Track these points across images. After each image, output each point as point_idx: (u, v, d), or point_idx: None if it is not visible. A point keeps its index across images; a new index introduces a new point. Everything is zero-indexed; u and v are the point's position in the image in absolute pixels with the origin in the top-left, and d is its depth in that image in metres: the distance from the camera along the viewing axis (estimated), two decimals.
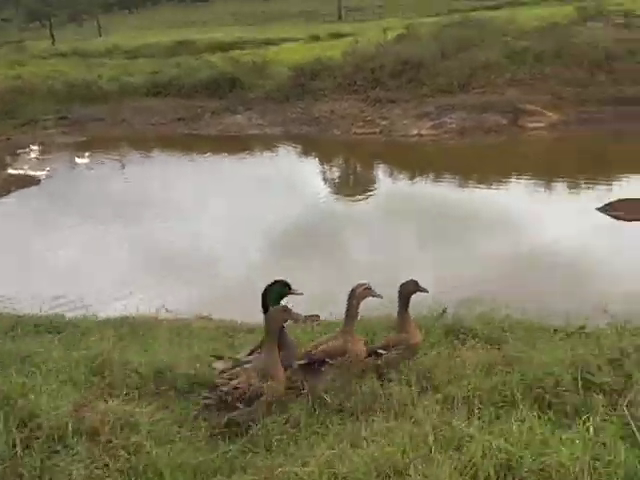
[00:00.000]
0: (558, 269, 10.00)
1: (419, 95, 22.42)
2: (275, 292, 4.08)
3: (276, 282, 4.16)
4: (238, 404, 3.57)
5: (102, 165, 20.59)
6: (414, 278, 4.52)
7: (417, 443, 2.93)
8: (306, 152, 21.54)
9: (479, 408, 3.46)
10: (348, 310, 4.18)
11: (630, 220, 11.81)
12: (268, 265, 11.08)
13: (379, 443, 2.99)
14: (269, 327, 3.76)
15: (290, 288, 4.13)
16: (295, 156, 21.29)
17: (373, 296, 4.26)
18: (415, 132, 21.17)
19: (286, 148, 21.86)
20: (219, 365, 4.06)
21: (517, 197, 14.68)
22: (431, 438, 2.95)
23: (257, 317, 7.13)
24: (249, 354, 4.13)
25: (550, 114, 20.51)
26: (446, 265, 10.58)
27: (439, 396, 3.81)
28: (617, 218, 12.00)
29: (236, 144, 21.98)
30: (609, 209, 12.15)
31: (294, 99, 23.72)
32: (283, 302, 4.16)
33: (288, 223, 13.40)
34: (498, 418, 3.32)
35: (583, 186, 15.23)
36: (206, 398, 3.75)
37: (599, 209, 12.33)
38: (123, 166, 20.88)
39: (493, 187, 16.08)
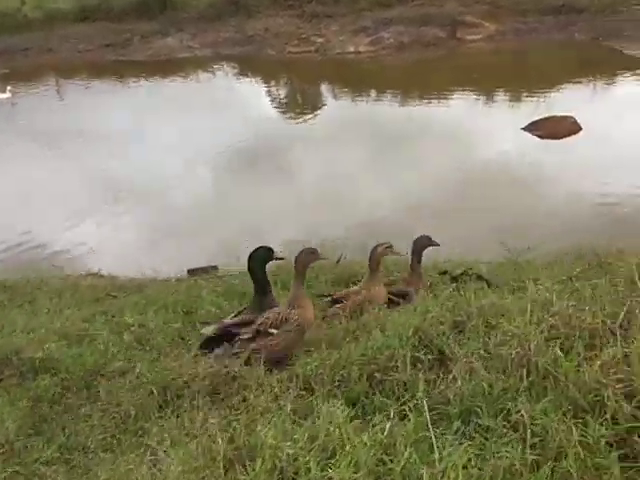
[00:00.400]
0: (474, 193, 9.90)
1: (356, 9, 21.53)
2: (259, 257, 4.14)
3: (260, 248, 4.20)
4: (272, 330, 3.79)
5: (27, 98, 19.51)
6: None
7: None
8: (242, 73, 20.73)
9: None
10: (370, 265, 4.53)
11: (549, 138, 11.79)
12: (222, 191, 11.01)
13: None
14: (297, 267, 3.94)
15: (273, 252, 4.19)
16: (232, 78, 20.48)
17: (393, 254, 4.61)
18: (352, 49, 20.41)
19: (221, 70, 20.99)
20: (207, 330, 4.09)
21: (450, 114, 14.41)
22: None
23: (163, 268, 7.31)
24: (235, 316, 4.20)
25: (488, 25, 19.89)
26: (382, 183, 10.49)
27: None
28: (540, 137, 11.91)
29: (169, 68, 20.98)
30: (533, 128, 12.01)
31: (227, 17, 22.57)
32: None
33: (236, 148, 12.95)
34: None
35: (512, 102, 15.03)
36: (245, 333, 3.86)
37: (524, 128, 12.18)
38: (51, 97, 19.85)
39: (430, 104, 15.80)
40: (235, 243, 7.61)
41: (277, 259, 4.22)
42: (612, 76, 16.09)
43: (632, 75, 15.83)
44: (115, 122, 15.50)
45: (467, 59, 19.44)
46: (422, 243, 4.76)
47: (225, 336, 3.86)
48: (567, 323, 2.94)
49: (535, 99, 14.66)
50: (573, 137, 11.74)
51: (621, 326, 2.83)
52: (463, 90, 16.25)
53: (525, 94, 15.33)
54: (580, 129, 11.81)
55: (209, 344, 3.92)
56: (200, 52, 21.91)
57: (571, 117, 11.90)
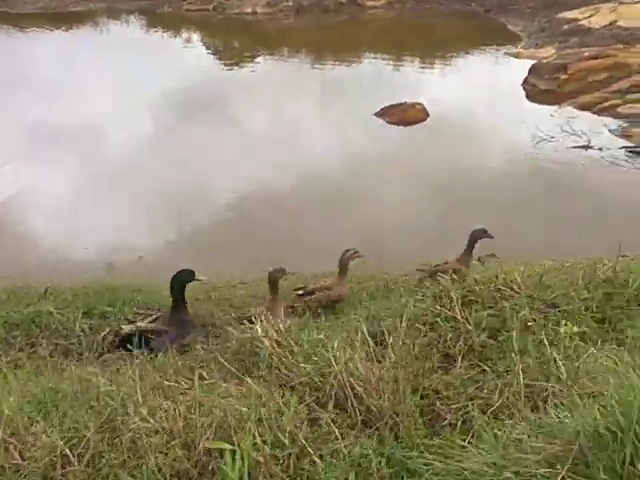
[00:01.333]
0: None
1: None
2: (180, 279, 4.54)
3: (182, 271, 4.58)
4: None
5: None
6: None
7: None
8: (148, 26, 19.72)
9: None
10: (340, 268, 5.30)
11: (398, 125, 11.71)
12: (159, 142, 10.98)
13: None
14: (270, 284, 4.83)
15: (194, 275, 4.57)
16: (138, 30, 19.54)
17: (359, 257, 5.33)
18: (249, 10, 19.76)
19: (125, 24, 19.94)
20: (127, 328, 4.50)
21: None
22: None
23: None
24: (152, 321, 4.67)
25: None
26: None
27: None
28: (390, 123, 11.81)
29: (68, 19, 19.83)
30: (383, 114, 11.89)
31: None
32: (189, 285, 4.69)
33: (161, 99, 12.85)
34: None
35: (373, 83, 14.66)
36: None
37: (376, 114, 12.03)
38: None
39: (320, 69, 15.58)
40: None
41: (197, 280, 4.64)
42: (482, 52, 15.96)
43: (500, 51, 15.69)
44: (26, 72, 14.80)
45: (365, 26, 19.07)
46: (477, 235, 5.44)
47: (140, 337, 4.16)
48: None
49: (393, 81, 14.51)
50: (420, 124, 11.65)
51: None
52: (342, 61, 15.90)
53: (390, 72, 15.11)
54: (427, 116, 11.71)
55: (124, 342, 4.25)
56: (94, 5, 20.87)
57: (419, 104, 11.78)
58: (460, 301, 3.59)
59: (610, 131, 10.99)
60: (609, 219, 7.73)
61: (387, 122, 11.81)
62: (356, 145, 11.00)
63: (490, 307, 3.60)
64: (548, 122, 11.24)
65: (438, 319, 3.50)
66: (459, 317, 3.45)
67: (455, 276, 5.32)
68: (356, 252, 5.38)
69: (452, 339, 3.31)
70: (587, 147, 10.22)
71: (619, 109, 11.63)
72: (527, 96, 13.11)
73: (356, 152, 10.52)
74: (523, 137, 10.82)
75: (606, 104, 11.85)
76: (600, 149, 10.10)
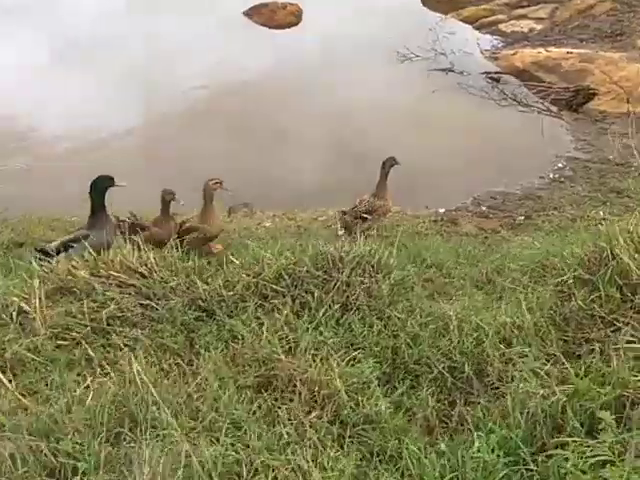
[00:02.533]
0: None
1: None
2: (98, 186, 4.71)
3: (100, 177, 4.73)
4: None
5: None
6: None
7: None
8: None
9: None
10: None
11: (268, 26, 11.15)
12: None
13: None
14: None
15: (113, 181, 4.73)
16: None
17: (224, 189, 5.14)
18: None
19: None
20: (50, 246, 4.69)
21: None
22: None
23: None
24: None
25: None
26: None
27: None
28: (258, 24, 11.20)
29: None
30: (252, 14, 11.23)
31: None
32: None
33: None
34: None
35: None
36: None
37: (245, 13, 11.34)
38: None
39: None
40: None
41: (116, 186, 4.71)
42: None
43: None
44: None
45: None
46: (389, 164, 5.63)
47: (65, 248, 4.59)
48: None
49: None
50: (292, 29, 11.20)
51: None
52: None
53: None
54: (300, 20, 11.25)
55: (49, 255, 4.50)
56: None
57: (293, 4, 11.24)
58: None
59: (482, 52, 11.17)
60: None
61: (255, 22, 11.22)
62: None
63: None
64: (426, 36, 11.03)
65: None
66: None
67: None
68: (219, 182, 5.15)
69: None
70: (449, 70, 10.38)
71: (501, 25, 11.47)
72: (423, 1, 12.80)
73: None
74: (392, 53, 10.76)
75: (490, 19, 11.64)
76: (461, 72, 10.31)
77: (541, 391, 2.70)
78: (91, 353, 3.29)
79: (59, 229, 5.62)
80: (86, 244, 4.28)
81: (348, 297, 3.76)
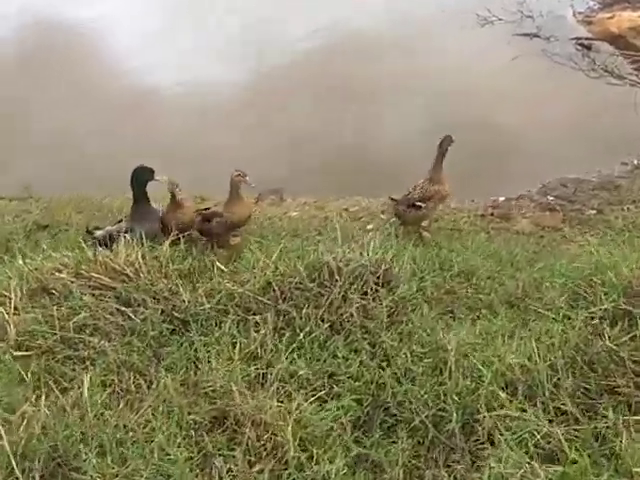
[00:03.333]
0: None
1: None
2: (138, 177, 4.56)
3: (139, 168, 4.57)
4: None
5: None
6: None
7: None
8: None
9: None
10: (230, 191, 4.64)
11: None
12: None
13: None
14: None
15: (153, 174, 4.56)
16: None
17: (246, 183, 4.61)
18: None
19: None
20: (98, 233, 4.52)
21: None
22: None
23: None
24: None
25: None
26: None
27: None
28: None
29: None
30: None
31: None
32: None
33: None
34: None
35: None
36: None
37: None
38: None
39: None
40: None
41: (156, 180, 4.53)
42: None
43: None
44: None
45: None
46: (446, 144, 4.91)
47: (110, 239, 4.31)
48: None
49: None
50: None
51: None
52: None
53: None
54: None
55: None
56: None
57: None
58: None
59: (574, 15, 10.07)
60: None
61: None
62: None
63: None
64: None
65: None
66: None
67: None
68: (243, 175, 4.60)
69: None
70: (534, 35, 9.35)
71: None
72: None
73: None
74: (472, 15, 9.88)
75: None
76: (548, 38, 9.28)
77: (519, 472, 2.20)
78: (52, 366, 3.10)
79: (87, 210, 5.50)
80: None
81: (342, 315, 3.36)
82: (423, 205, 4.89)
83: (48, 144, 6.93)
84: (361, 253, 3.74)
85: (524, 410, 2.66)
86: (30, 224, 5.17)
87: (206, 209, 4.80)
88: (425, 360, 3.04)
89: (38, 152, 6.82)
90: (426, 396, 2.84)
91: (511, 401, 2.74)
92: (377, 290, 3.52)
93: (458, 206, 5.57)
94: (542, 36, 9.30)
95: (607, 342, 2.91)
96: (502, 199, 6.53)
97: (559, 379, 2.82)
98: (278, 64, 8.64)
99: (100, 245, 4.26)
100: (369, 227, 5.20)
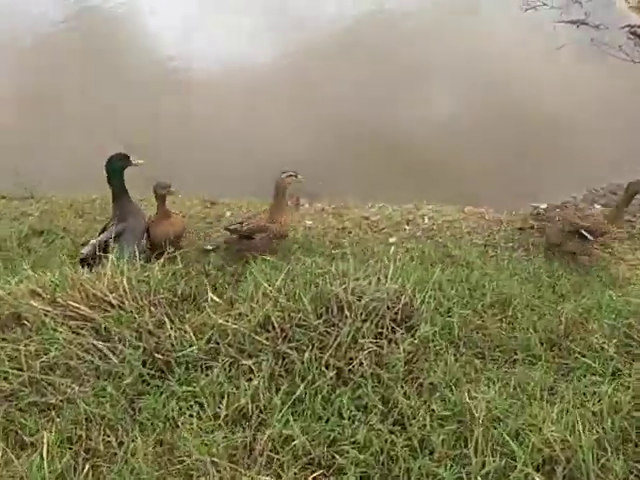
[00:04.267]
0: None
1: None
2: (113, 167, 4.17)
3: (112, 157, 4.20)
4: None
5: None
6: None
7: None
8: None
9: None
10: (275, 197, 4.23)
11: None
12: None
13: None
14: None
15: (129, 159, 4.20)
16: None
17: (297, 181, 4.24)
18: None
19: None
20: (85, 250, 3.97)
21: None
22: None
23: None
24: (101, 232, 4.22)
25: None
26: None
27: None
28: None
29: None
30: None
31: None
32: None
33: None
34: None
35: None
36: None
37: None
38: None
39: None
40: None
41: (133, 165, 4.17)
42: None
43: None
44: None
45: None
46: (636, 188, 4.34)
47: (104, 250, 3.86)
48: None
49: None
50: None
51: None
52: None
53: None
54: None
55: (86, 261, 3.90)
56: None
57: None
58: None
59: (627, 0, 9.30)
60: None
61: None
62: None
63: None
64: None
65: None
66: None
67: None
68: (293, 175, 4.19)
69: None
70: (581, 22, 8.59)
71: None
72: None
73: None
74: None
75: None
76: (597, 26, 8.52)
77: None
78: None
79: (88, 214, 5.08)
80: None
81: (351, 361, 2.87)
82: (589, 237, 4.37)
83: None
84: (379, 280, 3.24)
85: None
86: (26, 229, 4.78)
87: (239, 223, 4.28)
88: (447, 427, 2.53)
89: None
90: (446, 475, 2.34)
91: None
92: (394, 330, 3.02)
93: (495, 216, 4.99)
94: (590, 23, 8.58)
95: None
96: (543, 206, 5.93)
97: (608, 460, 2.30)
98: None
99: (87, 264, 3.79)
100: (391, 240, 4.68)
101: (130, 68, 7.94)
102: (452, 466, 2.37)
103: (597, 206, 5.88)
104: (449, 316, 3.31)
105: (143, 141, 6.13)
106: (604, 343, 3.06)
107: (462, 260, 4.37)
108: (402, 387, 2.76)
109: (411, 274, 3.51)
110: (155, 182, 4.14)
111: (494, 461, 2.34)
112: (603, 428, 2.43)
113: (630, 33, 8.36)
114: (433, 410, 2.62)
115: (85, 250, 3.91)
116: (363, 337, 2.94)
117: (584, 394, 2.67)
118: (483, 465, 2.35)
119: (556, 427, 2.42)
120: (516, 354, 3.23)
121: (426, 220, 4.96)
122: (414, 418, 2.60)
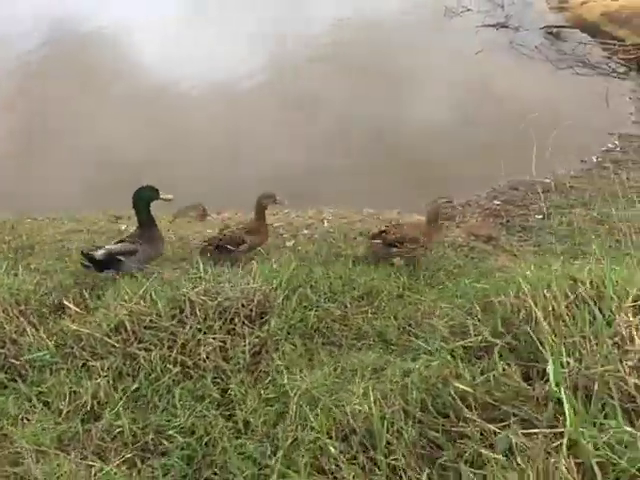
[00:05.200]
0: None
1: None
2: (143, 197, 4.31)
3: (142, 188, 4.34)
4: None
5: None
6: None
7: None
8: None
9: None
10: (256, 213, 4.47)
11: None
12: None
13: None
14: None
15: (157, 193, 4.34)
16: None
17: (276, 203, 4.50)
18: None
19: None
20: (96, 253, 4.18)
21: None
22: None
23: None
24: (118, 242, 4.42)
25: None
26: None
27: None
28: None
29: None
30: None
31: None
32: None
33: None
34: None
35: None
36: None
37: None
38: None
39: None
40: None
41: (161, 199, 4.33)
42: None
43: None
44: None
45: None
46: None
47: (111, 261, 4.13)
48: None
49: None
50: None
51: None
52: None
53: None
54: None
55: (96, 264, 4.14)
56: None
57: None
58: None
59: (547, 1, 9.63)
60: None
61: None
62: None
63: None
64: None
65: None
66: None
67: None
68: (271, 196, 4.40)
69: None
70: (501, 25, 8.94)
71: None
72: None
73: None
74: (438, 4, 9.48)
75: None
76: (517, 28, 8.85)
77: None
78: None
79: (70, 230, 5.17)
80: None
81: (199, 356, 3.08)
82: None
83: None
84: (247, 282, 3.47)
85: (353, 463, 2.36)
86: (14, 245, 4.75)
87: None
88: (268, 409, 2.75)
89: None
90: (252, 449, 2.55)
91: (344, 455, 2.44)
92: (245, 325, 3.24)
93: (390, 217, 5.25)
94: (510, 26, 8.92)
95: (459, 383, 2.58)
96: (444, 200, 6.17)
97: (402, 427, 2.51)
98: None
99: (99, 267, 4.05)
100: (288, 244, 4.91)
101: (111, 86, 8.20)
102: (264, 442, 2.58)
103: (497, 202, 6.15)
104: (310, 310, 3.54)
105: (125, 156, 6.44)
106: (442, 325, 3.28)
107: (349, 258, 4.59)
108: (242, 377, 2.97)
109: (284, 274, 3.74)
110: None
111: (302, 435, 2.54)
112: (407, 400, 2.64)
113: (547, 33, 8.69)
114: (262, 395, 2.83)
115: (99, 253, 4.13)
116: (214, 333, 3.16)
117: (404, 371, 2.88)
118: (293, 440, 2.55)
119: (361, 401, 2.63)
120: (374, 341, 3.46)
121: (325, 223, 5.20)
122: (244, 403, 2.80)
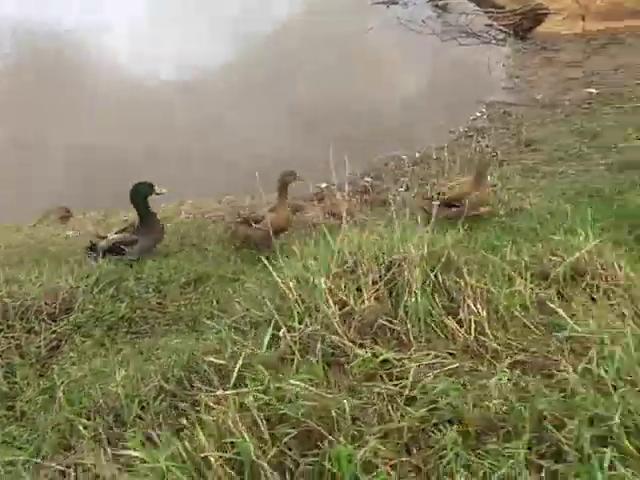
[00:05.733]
0: None
1: None
2: (139, 193, 4.57)
3: (140, 184, 4.60)
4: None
5: None
6: None
7: None
8: None
9: None
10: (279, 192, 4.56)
11: None
12: None
13: None
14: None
15: (153, 188, 4.57)
16: None
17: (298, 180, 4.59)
18: None
19: None
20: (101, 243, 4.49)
21: None
22: None
23: None
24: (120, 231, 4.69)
25: None
26: None
27: None
28: None
29: None
30: None
31: None
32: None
33: None
34: None
35: None
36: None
37: None
38: None
39: None
40: None
41: (157, 194, 4.57)
42: None
43: None
44: None
45: None
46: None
47: (114, 250, 4.45)
48: None
49: None
50: None
51: None
52: None
53: None
54: None
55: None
56: None
57: None
58: None
59: None
60: None
61: None
62: None
63: None
64: None
65: None
66: None
67: None
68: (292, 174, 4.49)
69: None
70: (391, 2, 9.08)
71: None
72: None
73: None
74: None
75: None
76: (405, 4, 9.01)
77: None
78: None
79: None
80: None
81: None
82: None
83: None
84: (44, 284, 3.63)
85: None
86: None
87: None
88: (44, 397, 2.92)
89: None
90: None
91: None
92: (44, 322, 3.40)
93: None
94: (400, 2, 9.06)
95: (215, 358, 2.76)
96: (324, 185, 6.36)
97: (145, 405, 2.68)
98: None
99: (104, 255, 4.30)
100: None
101: (88, 85, 8.30)
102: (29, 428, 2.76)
103: (367, 179, 6.32)
104: (122, 302, 3.71)
105: (108, 151, 6.59)
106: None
107: (198, 248, 4.76)
108: (33, 371, 3.14)
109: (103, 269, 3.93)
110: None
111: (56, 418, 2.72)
112: (167, 378, 2.81)
113: (434, 6, 8.83)
114: (39, 385, 3.00)
115: (103, 243, 4.46)
116: (15, 332, 3.33)
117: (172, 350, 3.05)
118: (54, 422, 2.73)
119: (122, 382, 2.80)
120: (187, 325, 3.64)
121: (182, 214, 5.36)
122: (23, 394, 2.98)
